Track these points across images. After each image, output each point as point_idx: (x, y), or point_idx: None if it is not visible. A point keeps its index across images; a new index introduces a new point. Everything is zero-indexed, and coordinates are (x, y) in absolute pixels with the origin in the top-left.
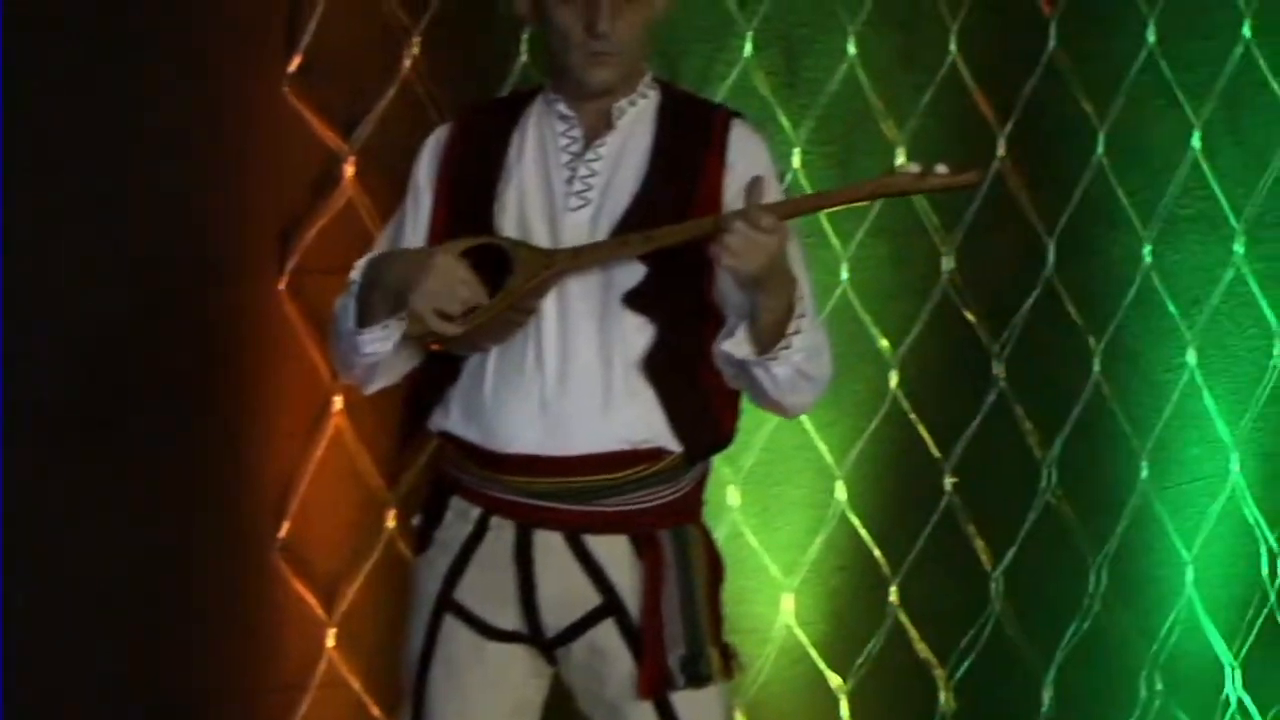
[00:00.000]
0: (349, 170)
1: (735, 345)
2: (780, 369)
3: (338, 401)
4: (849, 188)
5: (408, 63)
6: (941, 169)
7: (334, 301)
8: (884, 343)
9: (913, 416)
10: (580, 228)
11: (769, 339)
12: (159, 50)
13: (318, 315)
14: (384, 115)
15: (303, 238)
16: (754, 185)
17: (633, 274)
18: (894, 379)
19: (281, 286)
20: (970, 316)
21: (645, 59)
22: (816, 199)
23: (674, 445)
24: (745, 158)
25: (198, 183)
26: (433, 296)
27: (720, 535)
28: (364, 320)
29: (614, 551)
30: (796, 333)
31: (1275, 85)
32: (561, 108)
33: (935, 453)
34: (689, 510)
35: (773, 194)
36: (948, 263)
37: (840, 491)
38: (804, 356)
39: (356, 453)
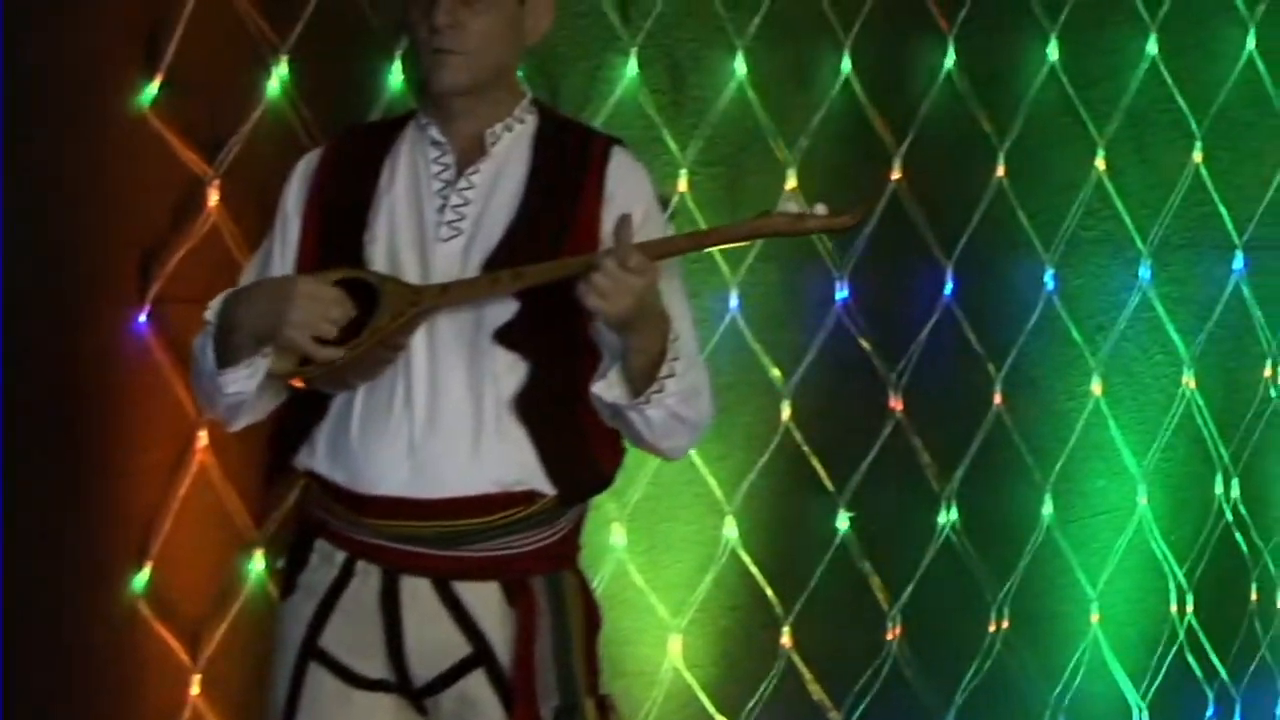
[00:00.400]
0: (213, 194)
1: (605, 387)
2: (654, 412)
3: (203, 437)
4: (724, 229)
5: (274, 82)
6: (820, 209)
7: (195, 335)
8: (776, 372)
9: (806, 449)
10: (451, 259)
11: (641, 381)
12: (13, 68)
13: (181, 346)
14: (250, 137)
15: (165, 265)
16: (622, 224)
17: (505, 310)
18: (786, 410)
19: (143, 316)
20: (865, 344)
21: (508, 73)
22: (690, 239)
23: (548, 488)
24: (625, 188)
25: (54, 207)
26: (304, 325)
27: (605, 574)
28: (226, 360)
29: (485, 599)
30: (670, 376)
31: (1182, 102)
32: (434, 133)
33: (829, 487)
34: (565, 555)
35: (654, 226)
36: (842, 289)
37: (730, 528)
38: (678, 400)
39: (222, 491)
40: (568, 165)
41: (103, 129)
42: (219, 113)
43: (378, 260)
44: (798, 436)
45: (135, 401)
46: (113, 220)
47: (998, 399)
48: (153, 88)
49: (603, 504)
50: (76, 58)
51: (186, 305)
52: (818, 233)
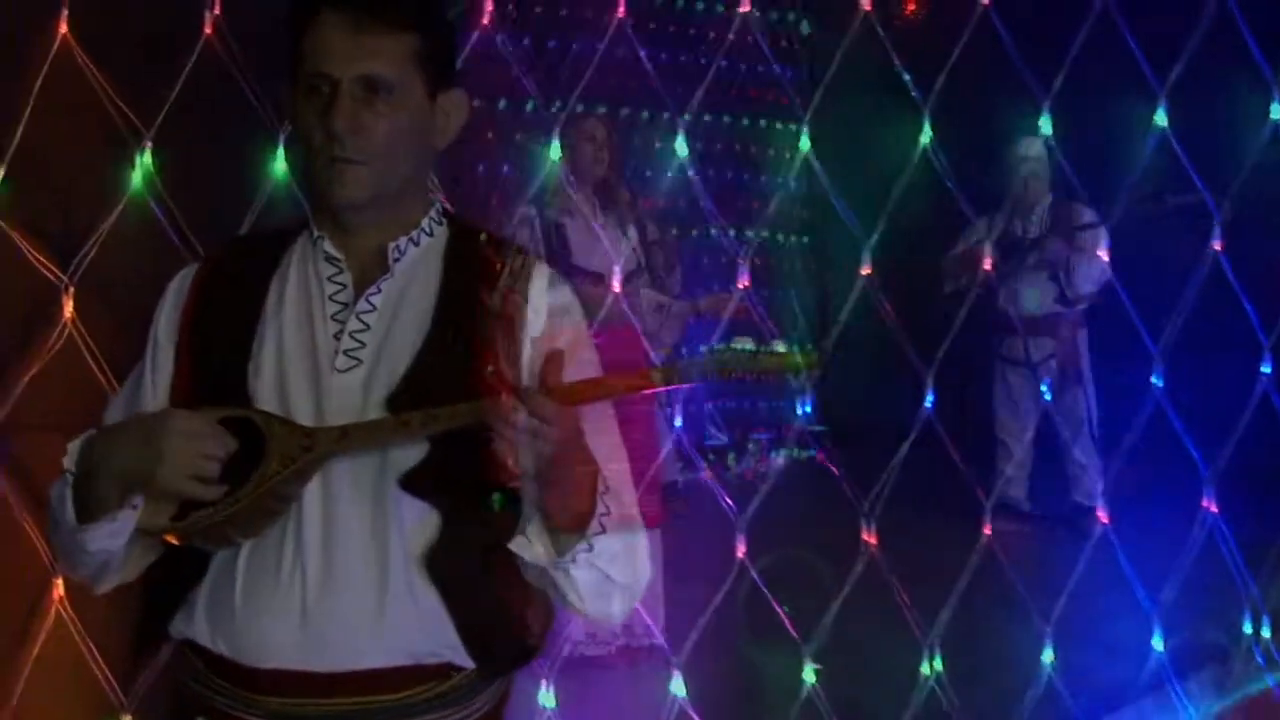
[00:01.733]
0: (68, 303)
1: (524, 545)
2: (581, 573)
3: (59, 585)
4: (667, 369)
5: (137, 175)
6: (779, 346)
7: (51, 474)
8: (728, 501)
9: (764, 590)
10: (349, 394)
11: (566, 538)
12: None
13: (33, 478)
14: (110, 236)
15: (13, 385)
16: (549, 364)
17: (413, 453)
18: (741, 546)
19: None
20: (833, 467)
21: (417, 180)
22: (625, 381)
23: (465, 660)
24: (550, 312)
25: None
26: (182, 466)
27: None
28: (88, 513)
29: None
30: (601, 533)
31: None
32: (328, 246)
33: (793, 633)
34: None
35: (584, 360)
36: (805, 403)
37: (677, 683)
38: (609, 560)
39: (83, 648)
40: (484, 285)
41: None
42: (74, 210)
43: (264, 396)
44: (754, 575)
45: None
46: None
47: (987, 528)
48: None
49: None
50: None
51: (39, 432)
52: (776, 372)
